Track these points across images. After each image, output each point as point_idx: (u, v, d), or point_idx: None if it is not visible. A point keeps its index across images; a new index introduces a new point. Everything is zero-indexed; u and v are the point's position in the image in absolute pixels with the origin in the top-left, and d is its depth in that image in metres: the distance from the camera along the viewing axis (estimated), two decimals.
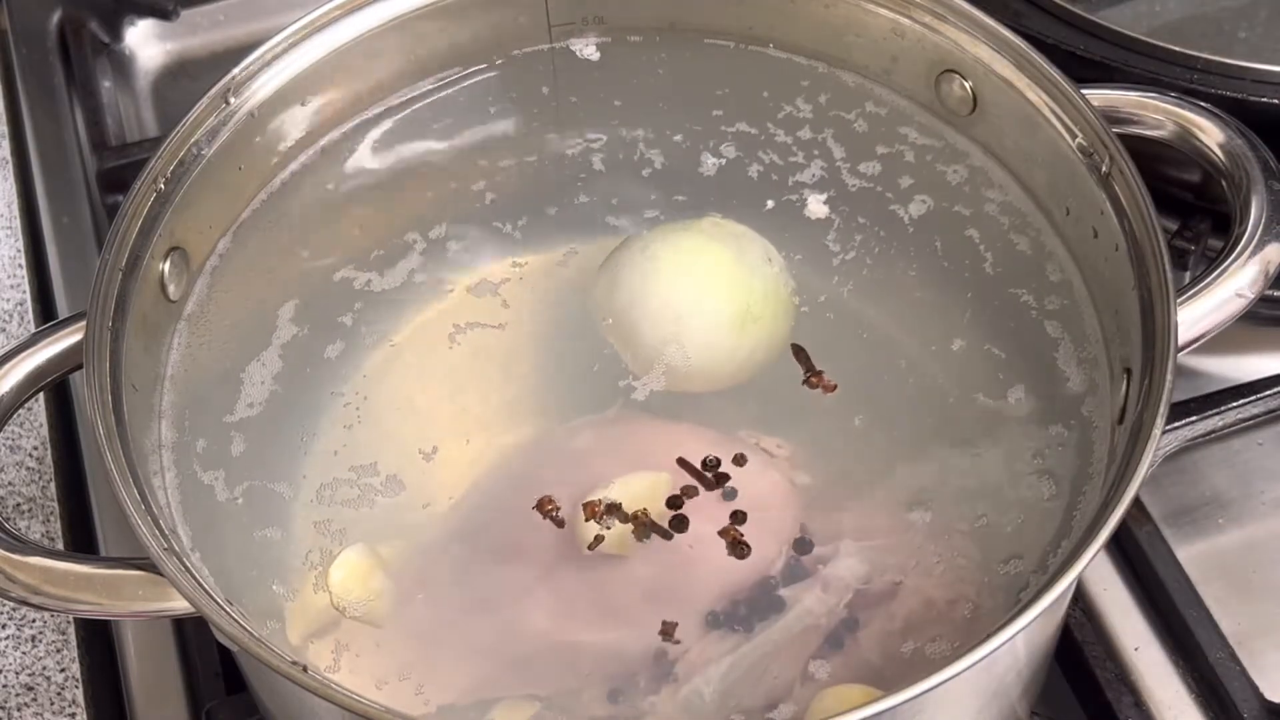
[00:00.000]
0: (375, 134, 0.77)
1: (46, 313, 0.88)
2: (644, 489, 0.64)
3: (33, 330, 0.86)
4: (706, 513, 0.64)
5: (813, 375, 0.67)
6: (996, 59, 0.70)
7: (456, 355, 0.70)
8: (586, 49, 0.79)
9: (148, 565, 0.58)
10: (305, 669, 0.54)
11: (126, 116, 0.99)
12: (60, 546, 0.77)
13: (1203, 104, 0.68)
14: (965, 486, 0.64)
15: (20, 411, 0.75)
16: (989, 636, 0.52)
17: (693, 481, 0.64)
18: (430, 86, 0.78)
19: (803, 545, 0.63)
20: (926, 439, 0.66)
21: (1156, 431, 0.56)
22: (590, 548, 0.62)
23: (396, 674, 0.61)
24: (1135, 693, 0.70)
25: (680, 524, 0.63)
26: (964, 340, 0.68)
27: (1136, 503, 0.72)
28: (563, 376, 0.70)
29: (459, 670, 0.61)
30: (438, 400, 0.69)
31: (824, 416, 0.67)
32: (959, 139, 0.74)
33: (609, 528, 0.63)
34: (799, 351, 0.67)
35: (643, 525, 0.63)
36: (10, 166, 0.96)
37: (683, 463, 0.64)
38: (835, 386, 0.67)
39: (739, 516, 0.63)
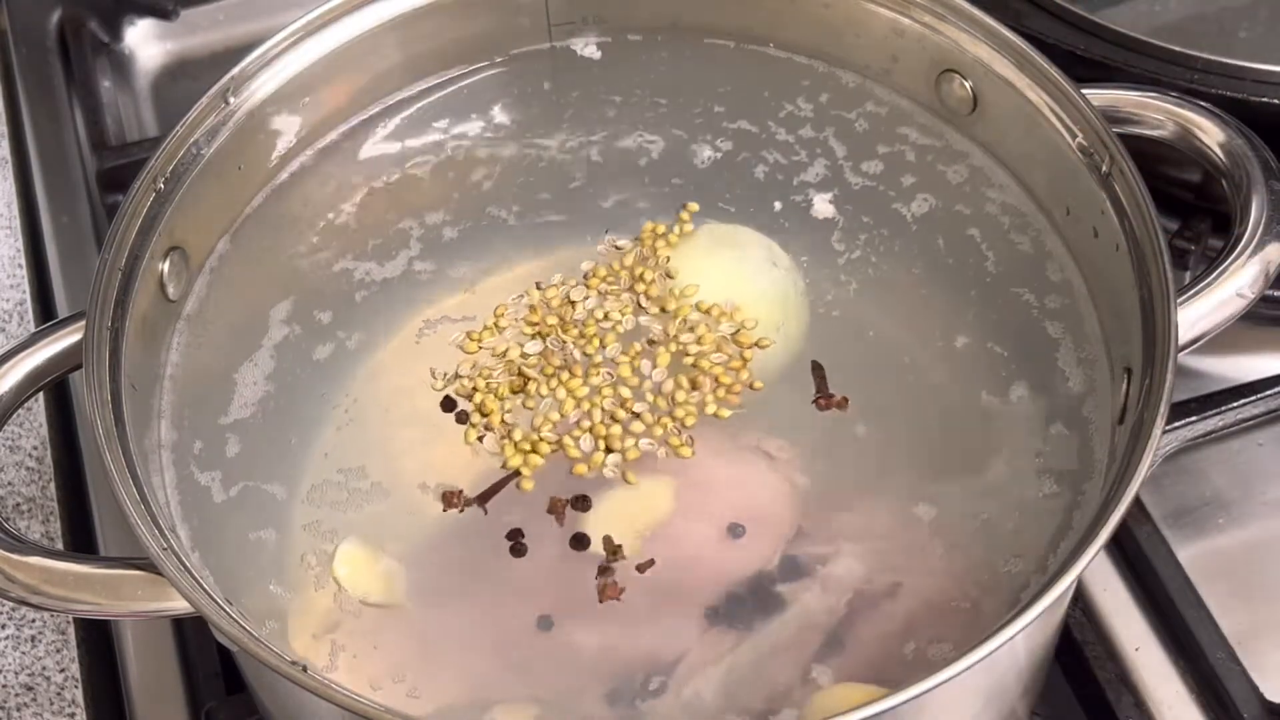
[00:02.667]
0: (375, 133, 0.77)
1: (46, 312, 0.88)
2: (643, 489, 0.64)
3: (32, 330, 0.86)
4: (707, 513, 0.64)
5: (822, 397, 0.66)
6: (997, 59, 0.70)
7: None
8: (586, 48, 0.79)
9: (147, 565, 0.58)
10: (305, 669, 0.54)
11: (126, 116, 0.99)
12: (60, 546, 0.77)
13: (1203, 104, 0.68)
14: (965, 486, 0.64)
15: (20, 411, 0.75)
16: (989, 636, 0.52)
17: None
18: (430, 86, 0.78)
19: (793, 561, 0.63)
20: (926, 438, 0.66)
21: (1156, 431, 0.56)
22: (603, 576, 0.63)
23: (396, 675, 0.61)
24: (1135, 693, 0.70)
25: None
26: (964, 339, 0.68)
27: (1136, 503, 0.72)
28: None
29: (458, 671, 0.61)
30: (437, 399, 0.68)
31: (824, 417, 0.67)
32: (959, 139, 0.74)
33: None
34: (817, 369, 0.67)
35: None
36: (10, 166, 0.96)
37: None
38: (846, 402, 0.66)
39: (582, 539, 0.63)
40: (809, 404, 0.67)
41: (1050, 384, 0.66)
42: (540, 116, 0.77)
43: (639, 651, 0.61)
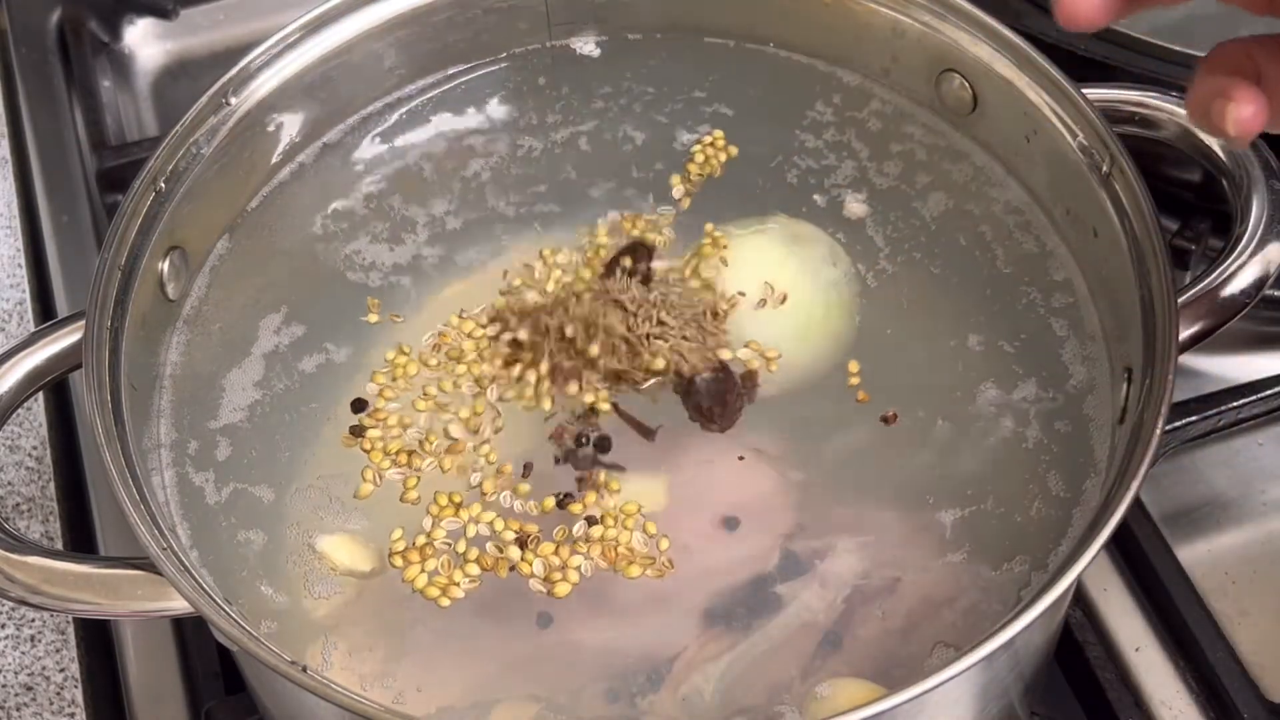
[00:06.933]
0: (375, 132, 0.77)
1: (46, 312, 0.88)
2: (641, 490, 0.64)
3: (32, 329, 0.86)
4: (704, 511, 0.64)
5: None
6: (997, 58, 0.70)
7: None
8: (586, 47, 0.79)
9: (147, 565, 0.58)
10: (305, 669, 0.54)
11: (126, 116, 0.99)
12: (59, 546, 0.77)
13: None
14: (965, 483, 0.64)
15: (20, 411, 0.75)
16: (989, 636, 0.52)
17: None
18: (429, 84, 0.78)
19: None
20: (925, 435, 0.66)
21: (1157, 431, 0.56)
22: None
23: (395, 674, 0.61)
24: (1135, 693, 0.70)
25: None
26: (963, 338, 0.68)
27: (1136, 503, 0.72)
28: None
29: (459, 671, 0.61)
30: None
31: (820, 413, 0.67)
32: (959, 138, 0.74)
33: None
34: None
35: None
36: (10, 166, 0.96)
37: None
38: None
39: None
40: (801, 401, 0.67)
41: (1052, 382, 0.66)
42: (540, 114, 0.77)
43: (638, 648, 0.61)
